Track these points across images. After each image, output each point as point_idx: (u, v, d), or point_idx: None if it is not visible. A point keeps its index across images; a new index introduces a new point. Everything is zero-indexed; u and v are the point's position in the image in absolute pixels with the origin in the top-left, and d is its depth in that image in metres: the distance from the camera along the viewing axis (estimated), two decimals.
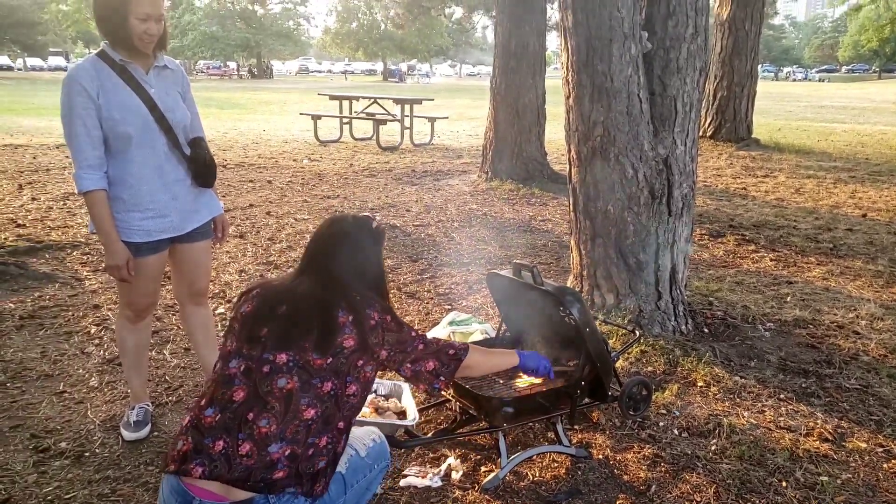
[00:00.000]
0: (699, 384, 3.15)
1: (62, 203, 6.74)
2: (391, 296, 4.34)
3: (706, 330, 3.80)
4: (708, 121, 12.21)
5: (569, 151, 3.87)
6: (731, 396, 3.05)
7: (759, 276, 4.86)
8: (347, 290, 1.79)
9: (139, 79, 2.36)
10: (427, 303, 4.27)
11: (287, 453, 1.56)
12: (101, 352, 3.45)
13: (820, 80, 61.24)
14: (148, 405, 2.78)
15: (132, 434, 2.63)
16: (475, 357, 2.00)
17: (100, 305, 4.08)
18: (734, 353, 3.50)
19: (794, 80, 65.95)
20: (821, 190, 8.24)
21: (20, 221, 5.95)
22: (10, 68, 53.10)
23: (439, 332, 3.39)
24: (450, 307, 4.14)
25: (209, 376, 1.78)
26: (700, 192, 7.82)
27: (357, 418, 2.34)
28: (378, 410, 2.61)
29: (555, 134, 10.65)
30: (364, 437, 1.88)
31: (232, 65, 61.30)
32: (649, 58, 3.54)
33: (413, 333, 1.88)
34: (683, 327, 3.74)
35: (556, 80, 9.12)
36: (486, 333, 3.26)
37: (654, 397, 2.93)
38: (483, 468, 2.48)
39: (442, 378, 1.92)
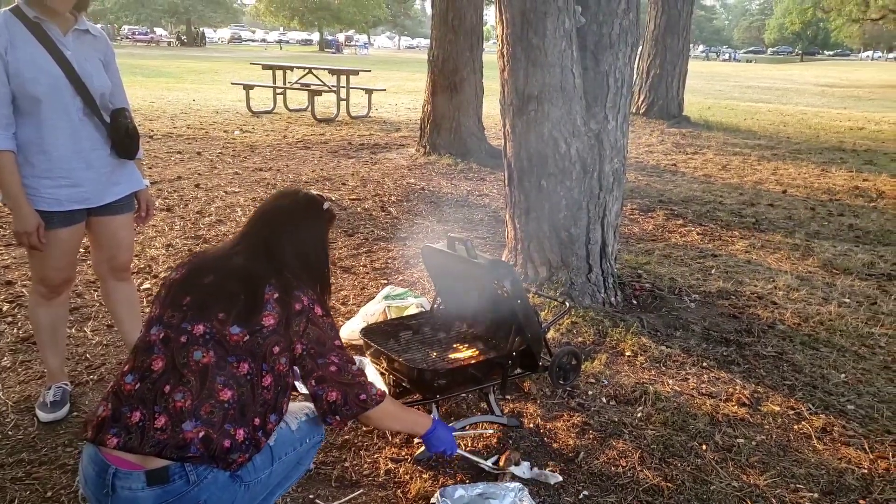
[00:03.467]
0: (627, 354, 3.26)
1: None
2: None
3: (635, 301, 3.92)
4: (641, 98, 12.48)
5: (504, 125, 3.88)
6: (657, 365, 3.17)
7: (687, 250, 5.03)
8: (282, 268, 1.71)
9: (55, 39, 2.22)
10: (363, 277, 4.23)
11: (201, 435, 1.51)
12: (15, 330, 3.28)
13: (747, 62, 63.49)
14: (66, 384, 2.66)
15: (48, 415, 2.52)
16: (386, 410, 1.79)
17: (13, 282, 3.86)
18: (661, 323, 3.63)
19: (724, 59, 68.09)
20: (746, 167, 8.57)
21: None
22: None
23: (375, 306, 3.37)
24: (385, 282, 4.12)
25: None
26: (631, 167, 8.01)
27: None
28: None
29: (493, 108, 10.66)
30: (297, 411, 1.82)
31: (160, 31, 58.53)
32: (582, 32, 3.57)
33: (337, 343, 1.74)
34: (613, 299, 3.84)
35: (493, 54, 9.15)
36: (421, 307, 3.27)
37: (583, 367, 3.01)
38: (416, 440, 2.49)
39: (338, 417, 1.72)
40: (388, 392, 2.01)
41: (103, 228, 2.51)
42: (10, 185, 2.21)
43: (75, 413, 2.60)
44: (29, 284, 3.63)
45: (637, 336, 3.42)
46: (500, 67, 3.74)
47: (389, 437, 2.51)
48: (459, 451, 2.16)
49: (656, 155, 9.23)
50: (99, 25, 2.39)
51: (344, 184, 6.81)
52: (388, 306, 3.35)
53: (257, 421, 1.60)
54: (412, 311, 3.24)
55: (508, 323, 2.57)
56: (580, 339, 3.39)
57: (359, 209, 5.88)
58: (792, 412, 2.83)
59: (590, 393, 2.90)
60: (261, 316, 1.61)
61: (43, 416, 2.52)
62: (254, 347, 1.59)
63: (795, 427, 2.72)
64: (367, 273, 4.31)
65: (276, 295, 1.64)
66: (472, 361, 2.50)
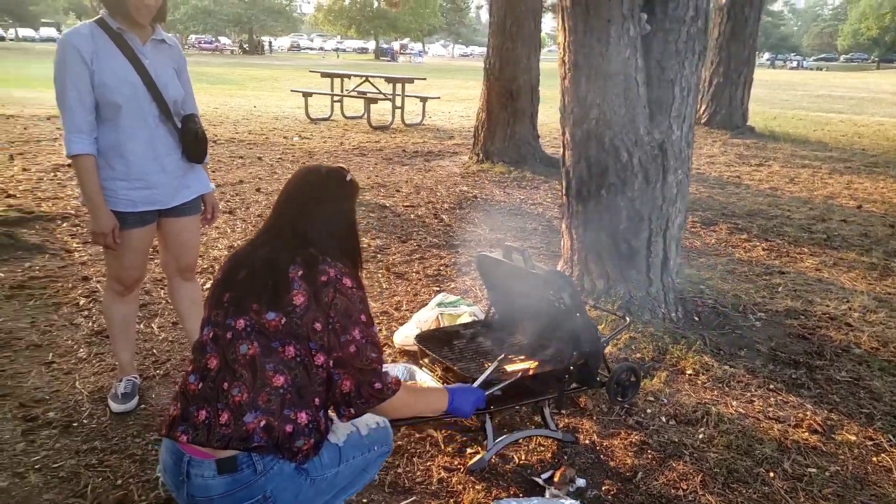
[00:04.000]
0: (688, 372, 3.16)
1: (52, 174, 6.65)
2: (379, 275, 4.36)
3: (696, 318, 3.80)
4: (703, 107, 12.19)
5: (563, 134, 3.84)
6: (720, 385, 3.06)
7: (751, 266, 4.87)
8: (307, 244, 1.70)
9: (135, 49, 2.33)
10: (415, 283, 4.25)
11: (262, 424, 1.54)
12: (90, 323, 3.42)
13: (818, 69, 61.18)
14: (135, 378, 2.77)
15: (119, 406, 2.62)
16: (402, 400, 1.72)
17: (89, 277, 4.03)
18: (724, 341, 3.51)
19: (792, 67, 65.80)
20: (816, 180, 8.26)
21: (11, 192, 5.86)
22: (1, 38, 52.17)
23: (428, 313, 3.38)
24: (438, 289, 4.13)
25: None
26: (693, 179, 7.80)
27: None
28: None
29: (548, 116, 10.61)
30: (368, 418, 1.82)
31: (224, 40, 60.44)
32: (648, 40, 3.50)
33: (363, 318, 1.67)
34: (673, 315, 3.74)
35: (549, 62, 9.07)
36: (474, 316, 3.25)
37: (642, 384, 2.94)
38: (469, 450, 2.48)
39: (351, 410, 1.65)
40: None
41: (172, 229, 2.61)
42: (90, 187, 2.32)
43: (143, 405, 2.69)
44: (104, 281, 3.80)
45: (699, 354, 3.31)
46: (561, 75, 3.71)
47: (442, 446, 2.50)
48: None
49: (718, 166, 8.99)
50: (168, 35, 2.49)
51: (398, 190, 6.87)
52: (442, 313, 3.36)
53: (317, 401, 1.62)
54: (465, 319, 3.23)
55: (566, 336, 2.53)
56: (638, 354, 3.32)
57: (412, 216, 5.92)
58: (870, 443, 2.68)
59: (648, 411, 2.82)
60: (290, 296, 1.60)
61: (115, 406, 2.63)
62: (293, 329, 1.60)
63: (874, 459, 2.58)
64: (420, 279, 4.33)
65: (300, 272, 1.63)
66: (528, 374, 2.47)
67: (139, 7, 2.26)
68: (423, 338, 2.75)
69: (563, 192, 3.92)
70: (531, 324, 2.70)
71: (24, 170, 6.79)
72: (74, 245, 4.61)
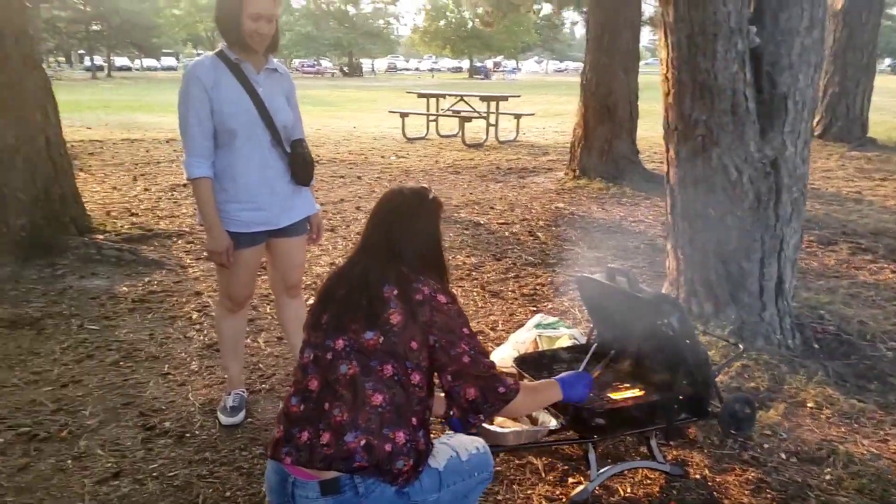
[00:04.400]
0: (809, 405, 2.92)
1: (170, 193, 7.13)
2: (474, 293, 4.35)
3: (816, 346, 3.52)
4: (817, 119, 11.45)
5: (667, 151, 3.71)
6: (848, 421, 2.81)
7: (878, 289, 4.48)
8: (398, 263, 1.74)
9: (251, 78, 2.46)
10: (511, 303, 4.21)
11: (363, 444, 1.56)
12: (202, 337, 3.61)
13: None
14: (243, 392, 2.88)
15: (228, 419, 2.73)
16: (522, 399, 1.77)
17: (201, 292, 4.27)
18: (850, 372, 3.23)
19: None
20: None
21: (134, 210, 6.34)
22: (128, 69, 56.98)
23: (525, 334, 3.32)
24: (535, 309, 4.07)
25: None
26: (807, 195, 7.33)
27: (493, 427, 2.31)
28: (514, 418, 2.49)
29: (647, 131, 10.31)
30: (468, 443, 1.81)
31: (325, 63, 63.12)
32: (758, 53, 3.33)
33: (465, 330, 1.71)
34: (790, 342, 3.49)
35: (647, 74, 8.83)
36: (573, 339, 3.17)
37: (758, 416, 2.75)
38: (571, 479, 2.40)
39: (480, 416, 1.70)
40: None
41: (281, 249, 2.71)
42: (208, 209, 2.45)
43: (250, 419, 2.79)
44: (215, 296, 4.01)
45: (821, 386, 3.06)
46: (664, 91, 3.58)
47: (543, 474, 2.44)
48: None
49: (836, 181, 8.40)
50: (274, 60, 2.61)
51: (492, 207, 6.86)
52: (540, 335, 3.29)
53: (415, 420, 1.63)
54: (564, 342, 3.15)
55: (674, 363, 2.41)
56: (752, 384, 3.11)
57: (506, 233, 5.88)
58: None
59: (766, 446, 2.63)
60: (387, 315, 1.64)
61: (224, 419, 2.74)
62: (391, 347, 1.63)
63: None
64: (516, 299, 4.28)
65: (395, 292, 1.67)
66: (635, 402, 2.37)
67: (253, 35, 2.37)
68: (521, 361, 2.70)
69: (668, 210, 3.78)
70: (636, 350, 2.59)
71: (146, 189, 7.33)
72: (188, 261, 4.90)
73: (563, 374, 2.03)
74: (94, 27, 48.13)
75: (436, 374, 1.72)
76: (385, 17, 61.18)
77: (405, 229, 1.81)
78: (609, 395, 2.46)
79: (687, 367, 2.34)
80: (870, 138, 11.38)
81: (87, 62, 51.80)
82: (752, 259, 3.47)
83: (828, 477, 2.44)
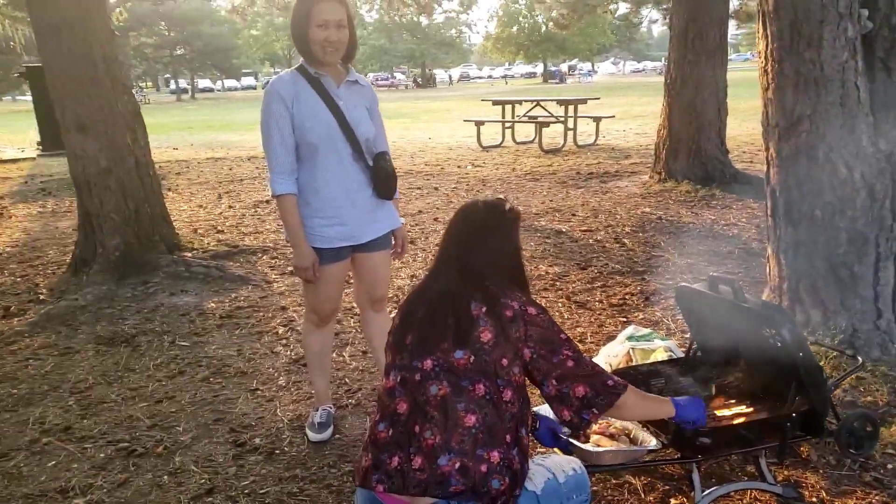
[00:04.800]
0: None
1: (253, 210, 7.36)
2: (559, 304, 4.22)
3: None
4: None
5: (766, 149, 3.47)
6: None
7: None
8: (481, 280, 1.69)
9: (330, 91, 2.45)
10: (599, 314, 4.05)
11: (457, 466, 1.51)
12: (288, 352, 3.65)
13: None
14: (330, 408, 2.88)
15: (316, 435, 2.73)
16: (632, 397, 1.71)
17: (286, 307, 4.34)
18: None
19: None
20: None
21: (219, 227, 6.57)
22: (210, 90, 60.02)
23: (617, 347, 3.17)
24: (624, 319, 3.90)
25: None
26: None
27: (589, 447, 2.22)
28: (612, 436, 2.37)
29: (733, 129, 9.86)
30: (564, 464, 1.76)
31: (399, 75, 64.22)
32: (870, 39, 3.07)
33: (562, 336, 1.68)
34: None
35: (732, 71, 8.41)
36: (670, 351, 2.99)
37: (879, 434, 2.50)
38: (673, 500, 2.25)
39: (594, 410, 1.65)
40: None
41: (365, 264, 2.69)
42: (292, 224, 2.46)
43: (337, 435, 2.78)
44: (300, 311, 4.07)
45: None
46: (763, 86, 3.36)
47: (642, 494, 2.30)
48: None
49: None
50: (361, 75, 2.59)
51: (574, 214, 6.69)
52: (633, 348, 3.13)
53: (509, 438, 1.58)
54: (660, 354, 2.98)
55: (785, 378, 2.22)
56: (868, 398, 2.85)
57: (590, 241, 5.71)
58: None
59: (889, 467, 2.40)
60: (477, 333, 1.60)
61: (312, 435, 2.74)
62: (482, 366, 1.59)
63: None
64: (604, 309, 4.12)
65: (484, 309, 1.63)
66: (744, 420, 2.20)
67: (324, 44, 2.35)
68: (615, 375, 2.56)
69: (769, 213, 3.54)
70: (743, 363, 2.41)
71: (230, 207, 7.59)
72: (273, 276, 5.01)
73: (680, 398, 1.93)
74: (178, 52, 51.05)
75: (539, 385, 1.67)
76: (457, 27, 61.56)
77: (484, 244, 1.76)
78: (714, 411, 2.29)
79: (800, 381, 2.16)
80: None
81: (172, 85, 54.90)
82: (866, 262, 3.19)
83: None
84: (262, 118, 2.44)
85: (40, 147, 13.82)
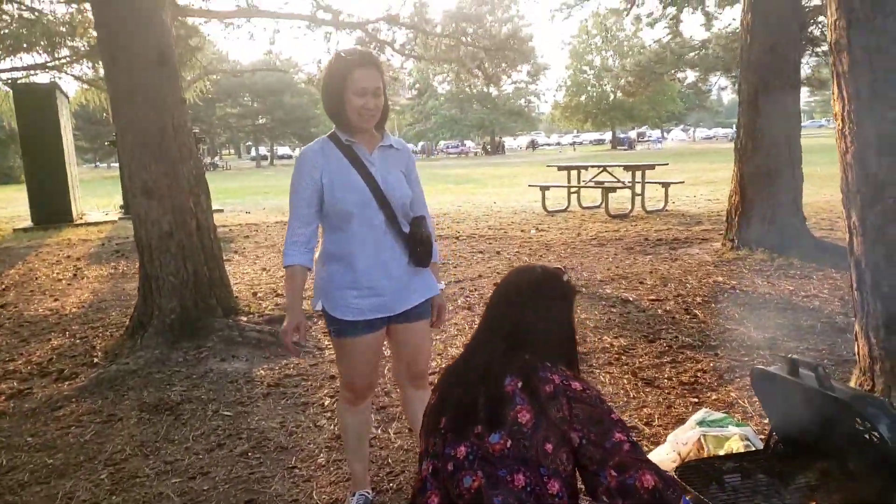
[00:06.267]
0: None
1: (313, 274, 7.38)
2: (624, 380, 3.93)
3: None
4: None
5: (848, 218, 3.18)
6: None
7: None
8: (524, 351, 1.51)
9: (363, 158, 2.38)
10: (668, 393, 3.74)
11: None
12: (332, 426, 3.50)
13: None
14: (368, 493, 2.68)
15: None
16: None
17: (335, 376, 4.21)
18: None
19: None
20: None
21: (280, 291, 6.59)
22: (289, 157, 62.91)
23: (687, 433, 2.87)
24: (696, 399, 3.58)
25: None
26: None
27: None
28: None
29: (812, 196, 9.38)
30: None
31: (469, 143, 65.57)
32: None
33: (613, 416, 1.44)
34: None
35: (806, 137, 8.04)
36: (747, 440, 2.68)
37: None
38: None
39: None
40: None
41: (402, 336, 2.53)
42: (292, 293, 2.36)
43: None
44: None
45: None
46: (842, 150, 3.10)
47: None
48: None
49: None
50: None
51: (641, 282, 6.38)
52: (704, 434, 2.82)
53: None
54: (735, 443, 2.67)
55: (885, 481, 1.91)
56: None
57: (659, 311, 5.39)
58: None
59: None
60: (513, 412, 1.41)
61: None
62: (521, 452, 1.38)
63: None
64: (674, 388, 3.80)
65: (519, 384, 1.44)
66: None
67: (362, 111, 2.30)
68: (685, 470, 2.29)
69: (854, 286, 3.21)
70: (831, 461, 2.10)
71: None
72: (326, 343, 4.91)
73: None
74: (260, 121, 53.95)
75: (591, 477, 1.40)
76: (526, 96, 62.71)
77: (536, 310, 1.60)
78: None
79: None
80: None
81: (252, 152, 57.79)
82: None
83: None
84: (291, 186, 2.39)
85: (122, 210, 14.54)
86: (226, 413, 3.75)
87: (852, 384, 3.25)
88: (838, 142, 3.16)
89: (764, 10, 7.33)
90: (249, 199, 18.46)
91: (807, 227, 7.63)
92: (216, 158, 55.69)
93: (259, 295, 6.50)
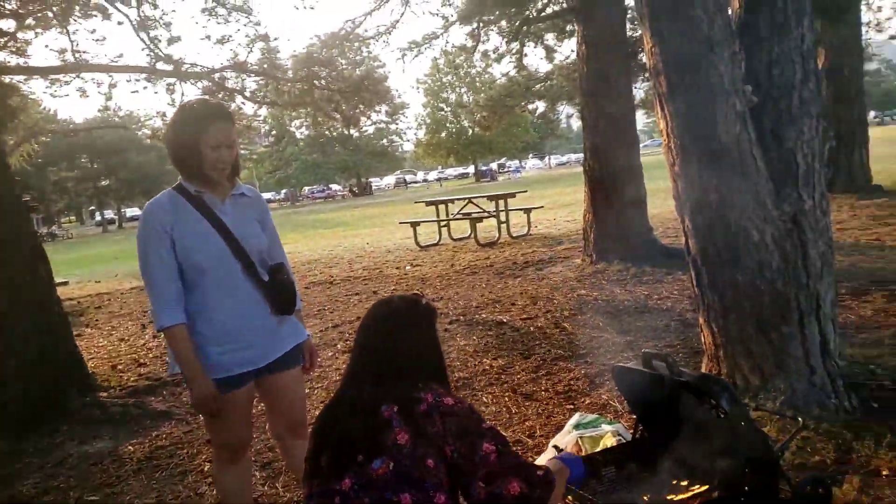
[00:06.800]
0: (885, 472, 2.62)
1: None
2: (505, 398, 4.09)
3: (875, 404, 3.24)
4: None
5: (682, 222, 3.57)
6: None
7: None
8: (394, 378, 1.58)
9: (214, 208, 2.32)
10: (546, 403, 3.94)
11: None
12: (214, 491, 3.33)
13: None
14: None
15: None
16: (558, 480, 1.65)
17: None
18: None
19: None
20: None
21: (142, 360, 6.22)
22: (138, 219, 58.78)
23: (565, 438, 3.06)
24: (572, 407, 3.80)
25: None
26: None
27: None
28: None
29: (657, 208, 10.26)
30: None
31: (335, 186, 65.18)
32: (757, 112, 3.26)
33: (485, 426, 1.54)
34: (847, 404, 3.20)
35: (645, 156, 8.85)
36: (618, 435, 2.90)
37: (833, 496, 2.44)
38: None
39: None
40: None
41: (274, 387, 2.47)
42: (186, 356, 2.24)
43: None
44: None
45: (893, 448, 2.75)
46: (670, 162, 3.50)
47: None
48: None
49: (852, 231, 8.19)
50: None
51: (513, 304, 6.68)
52: (581, 437, 3.02)
53: None
54: (609, 440, 2.89)
55: (732, 450, 2.15)
56: (817, 458, 2.80)
57: (531, 328, 5.67)
58: None
59: None
60: (392, 435, 1.47)
61: None
62: (404, 472, 1.44)
63: None
64: (551, 398, 4.02)
65: (395, 408, 1.51)
66: (699, 502, 2.10)
67: (215, 165, 2.26)
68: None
69: (694, 283, 3.59)
70: (689, 440, 2.34)
71: (155, 337, 7.23)
72: None
73: (562, 455, 1.95)
74: (103, 182, 49.79)
75: (464, 489, 1.51)
76: (388, 136, 63.55)
77: (401, 341, 1.67)
78: (669, 496, 2.19)
79: (748, 452, 2.09)
80: (877, 186, 11.30)
81: (97, 217, 53.33)
82: (791, 321, 3.24)
83: None
84: (138, 246, 2.28)
85: None
86: (92, 498, 3.45)
87: (703, 371, 3.61)
88: (666, 155, 3.55)
89: (595, 42, 8.05)
90: (99, 267, 17.23)
91: (654, 236, 8.35)
92: (54, 227, 50.33)
93: (119, 367, 6.08)
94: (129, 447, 4.09)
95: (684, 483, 2.27)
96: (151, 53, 9.84)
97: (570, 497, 2.32)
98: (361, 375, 1.65)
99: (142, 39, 9.28)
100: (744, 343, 3.36)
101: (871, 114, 67.82)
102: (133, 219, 57.00)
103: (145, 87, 14.71)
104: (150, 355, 6.43)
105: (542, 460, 3.02)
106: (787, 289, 3.22)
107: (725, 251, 3.32)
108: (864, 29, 13.06)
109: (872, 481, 2.58)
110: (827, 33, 11.00)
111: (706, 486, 2.20)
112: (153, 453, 3.95)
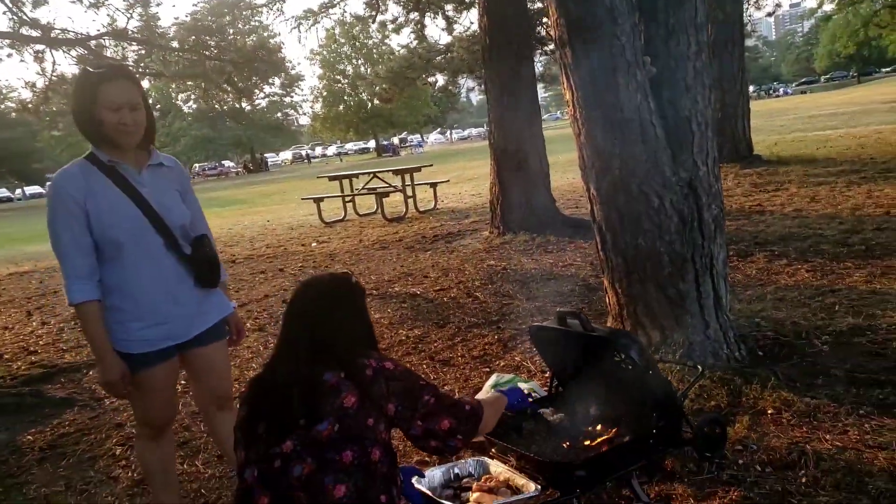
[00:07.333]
0: (769, 412, 2.92)
1: (73, 323, 6.59)
2: (423, 365, 4.18)
3: (761, 353, 3.58)
4: None
5: (588, 190, 3.74)
6: (807, 420, 2.82)
7: (800, 289, 4.64)
8: (332, 352, 1.68)
9: (130, 179, 2.20)
10: (463, 368, 4.06)
11: None
12: (129, 473, 3.24)
13: (802, 93, 62.02)
14: None
15: None
16: (488, 412, 1.88)
17: (123, 424, 3.87)
18: (797, 372, 3.26)
19: (777, 96, 66.76)
20: (836, 195, 8.06)
21: (32, 348, 5.82)
22: (9, 200, 52.74)
23: (483, 397, 3.17)
24: (488, 369, 3.94)
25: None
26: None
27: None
28: (492, 490, 2.27)
29: (558, 181, 10.62)
30: None
31: (228, 163, 62.51)
32: (656, 81, 3.45)
33: (422, 382, 1.74)
34: (737, 353, 3.52)
35: (548, 130, 9.12)
36: (535, 392, 3.04)
37: (728, 433, 2.69)
38: None
39: (459, 437, 1.78)
40: None
41: (199, 360, 2.42)
42: (97, 335, 2.16)
43: None
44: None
45: (775, 390, 3.06)
46: (576, 132, 3.64)
47: None
48: None
49: (737, 198, 8.84)
50: (168, 156, 2.39)
51: (426, 276, 6.77)
52: None
53: (384, 498, 1.57)
54: None
55: (640, 398, 2.33)
56: (713, 402, 3.08)
57: (445, 299, 5.78)
58: None
59: (740, 462, 2.58)
60: (339, 399, 1.57)
61: None
62: (347, 432, 1.55)
63: None
64: (468, 363, 4.14)
65: (342, 374, 1.61)
66: (611, 446, 2.26)
67: (117, 128, 2.13)
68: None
69: (599, 247, 3.78)
70: (601, 391, 2.50)
71: (44, 323, 6.78)
72: (104, 393, 4.47)
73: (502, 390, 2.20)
74: None
75: (407, 431, 1.71)
76: (283, 109, 61.45)
77: (334, 317, 1.73)
78: (583, 442, 2.34)
79: (654, 398, 2.27)
80: (757, 155, 12.19)
81: None
82: (688, 280, 3.49)
83: (804, 479, 2.42)
84: (48, 220, 2.14)
85: None
86: None
87: None
88: (572, 125, 3.69)
89: (497, 13, 8.14)
90: None
91: (557, 207, 8.66)
92: None
93: (7, 357, 5.66)
94: (28, 437, 3.86)
95: (598, 429, 2.43)
96: (14, 17, 8.90)
97: (493, 450, 2.43)
98: (296, 350, 1.69)
99: (1, 1, 8.32)
100: (646, 302, 3.59)
101: (750, 88, 73.12)
102: (4, 200, 52.15)
103: (10, 55, 12.07)
104: (41, 342, 6.02)
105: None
106: (684, 250, 3.46)
107: (628, 216, 3.52)
108: (745, 5, 13.92)
109: (759, 420, 2.88)
110: (712, 7, 11.67)
111: (617, 433, 2.37)
112: (56, 441, 3.75)
